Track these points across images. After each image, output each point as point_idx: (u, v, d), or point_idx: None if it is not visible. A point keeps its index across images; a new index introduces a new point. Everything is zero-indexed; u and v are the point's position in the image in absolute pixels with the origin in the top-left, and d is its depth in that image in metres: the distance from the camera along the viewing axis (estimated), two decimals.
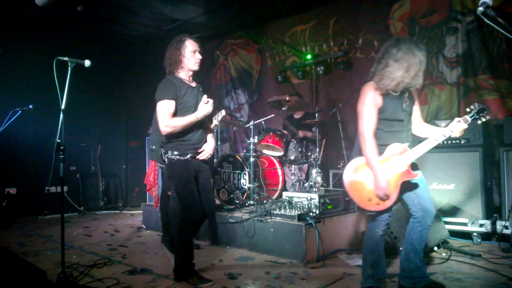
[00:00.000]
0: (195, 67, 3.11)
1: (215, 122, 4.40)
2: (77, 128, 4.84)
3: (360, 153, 2.67)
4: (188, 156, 3.04)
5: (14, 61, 6.60)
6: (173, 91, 2.97)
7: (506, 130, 4.10)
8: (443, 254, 3.64)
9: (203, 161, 3.14)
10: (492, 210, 4.11)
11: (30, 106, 5.26)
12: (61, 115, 2.77)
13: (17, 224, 5.80)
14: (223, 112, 4.41)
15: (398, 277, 2.81)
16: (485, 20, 1.79)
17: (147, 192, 5.10)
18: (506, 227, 3.82)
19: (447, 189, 4.24)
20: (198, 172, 3.13)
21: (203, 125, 3.18)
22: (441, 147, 4.32)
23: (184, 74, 3.11)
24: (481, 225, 4.00)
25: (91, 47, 6.85)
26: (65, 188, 6.52)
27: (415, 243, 2.68)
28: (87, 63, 2.95)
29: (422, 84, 5.04)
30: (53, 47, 6.16)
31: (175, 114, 2.99)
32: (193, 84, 3.17)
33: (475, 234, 4.04)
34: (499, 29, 1.80)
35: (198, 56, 3.12)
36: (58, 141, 2.70)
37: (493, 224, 3.93)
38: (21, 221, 6.09)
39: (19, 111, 5.24)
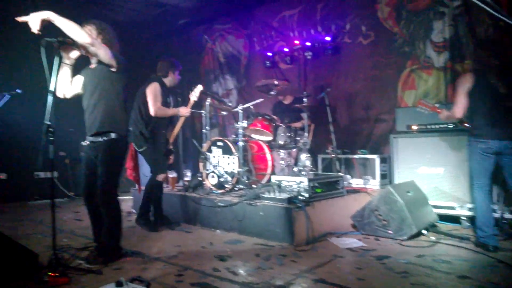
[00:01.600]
0: None
1: (192, 98, 4.44)
2: (67, 114, 4.75)
3: None
4: (86, 142, 3.19)
5: (1, 45, 6.45)
6: None
7: None
8: (432, 238, 3.69)
9: (99, 146, 3.11)
10: None
11: (18, 91, 5.13)
12: (50, 97, 2.71)
13: (7, 209, 5.75)
14: (199, 87, 4.47)
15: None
16: None
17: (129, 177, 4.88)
18: (494, 211, 3.80)
19: (436, 173, 4.31)
20: (96, 157, 3.14)
21: (91, 106, 3.13)
22: (429, 131, 4.42)
23: None
24: (469, 209, 4.04)
25: None
26: (55, 174, 6.44)
27: None
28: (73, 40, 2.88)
29: (409, 69, 5.19)
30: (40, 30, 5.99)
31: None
32: (91, 66, 3.23)
33: (463, 218, 4.11)
34: (484, 6, 1.82)
35: None
36: (48, 123, 2.66)
37: None
38: (11, 206, 6.03)
39: (7, 96, 5.12)
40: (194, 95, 4.44)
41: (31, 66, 5.19)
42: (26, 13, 2.68)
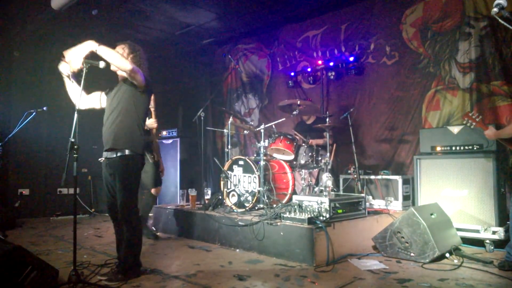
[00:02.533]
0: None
1: (151, 108, 4.70)
2: (90, 131, 4.93)
3: None
4: (102, 158, 3.25)
5: (29, 63, 6.76)
6: None
7: None
8: (455, 261, 3.58)
9: (114, 162, 3.14)
10: (505, 217, 4.03)
11: (44, 108, 5.33)
12: (76, 115, 2.81)
13: (29, 224, 5.89)
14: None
15: None
16: (500, 20, 1.79)
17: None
18: None
19: (460, 195, 4.20)
20: (111, 174, 3.19)
21: (109, 122, 3.19)
22: (454, 153, 4.32)
23: None
24: (494, 232, 3.93)
25: None
26: (77, 190, 6.61)
27: None
28: (101, 64, 2.99)
29: (434, 89, 5.12)
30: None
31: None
32: (118, 84, 3.31)
33: (487, 241, 3.98)
34: (511, 27, 1.80)
35: None
36: (72, 140, 2.74)
37: (506, 231, 3.86)
38: (33, 221, 6.18)
39: (33, 113, 5.32)
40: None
41: (57, 84, 5.37)
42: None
